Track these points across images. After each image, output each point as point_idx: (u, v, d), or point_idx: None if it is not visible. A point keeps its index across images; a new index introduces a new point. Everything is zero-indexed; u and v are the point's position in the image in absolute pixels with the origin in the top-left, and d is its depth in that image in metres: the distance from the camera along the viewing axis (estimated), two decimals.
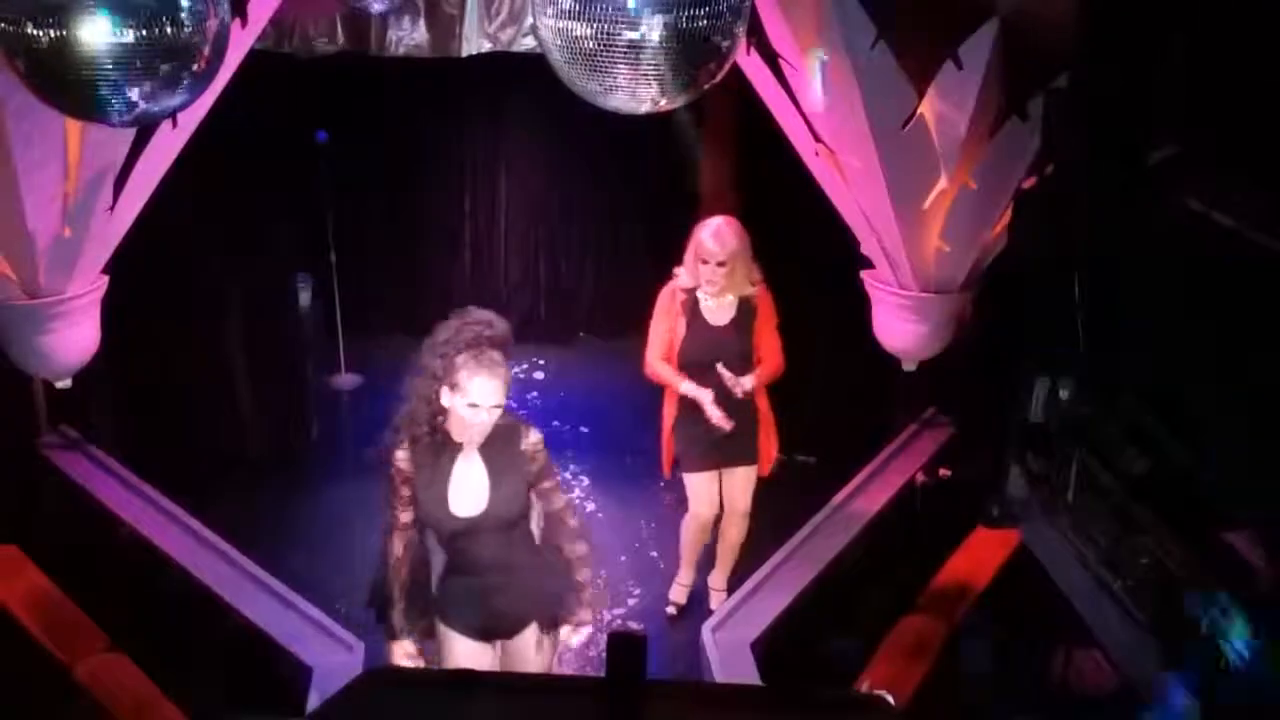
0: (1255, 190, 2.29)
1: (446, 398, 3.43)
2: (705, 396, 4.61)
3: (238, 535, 5.16)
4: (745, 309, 4.68)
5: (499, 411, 3.46)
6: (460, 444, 3.53)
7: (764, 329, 4.71)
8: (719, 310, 4.68)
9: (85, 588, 4.69)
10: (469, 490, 3.53)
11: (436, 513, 3.54)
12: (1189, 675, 2.29)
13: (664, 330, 4.71)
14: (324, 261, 7.16)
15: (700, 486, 4.92)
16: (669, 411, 4.88)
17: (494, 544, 3.57)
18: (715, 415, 4.62)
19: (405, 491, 3.55)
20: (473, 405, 3.39)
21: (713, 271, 4.55)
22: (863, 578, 5.19)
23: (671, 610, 5.27)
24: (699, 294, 4.65)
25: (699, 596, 5.31)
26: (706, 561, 5.29)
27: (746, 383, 4.64)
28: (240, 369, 6.23)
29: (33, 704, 4.32)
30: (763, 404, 4.88)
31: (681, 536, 5.16)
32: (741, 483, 4.98)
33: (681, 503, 5.17)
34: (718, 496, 4.97)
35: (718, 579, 5.26)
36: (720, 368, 4.60)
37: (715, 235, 4.54)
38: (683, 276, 4.68)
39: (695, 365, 4.67)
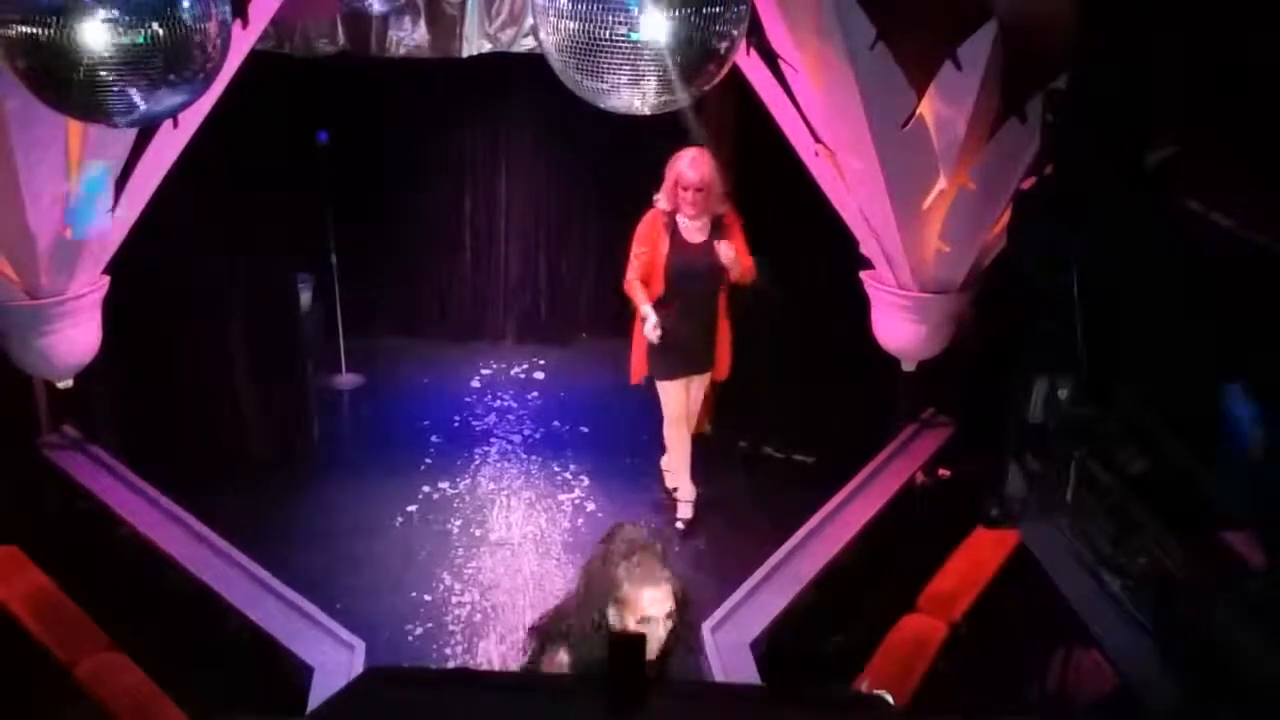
0: (1255, 190, 2.29)
1: (615, 617, 3.02)
2: (650, 319, 5.25)
3: (238, 535, 5.17)
4: (718, 227, 5.29)
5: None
6: None
7: (735, 243, 5.28)
8: (696, 230, 5.29)
9: (85, 588, 4.70)
10: None
11: None
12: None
13: (642, 253, 5.32)
14: (324, 261, 7.17)
15: (673, 393, 5.61)
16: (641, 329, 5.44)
17: None
18: (651, 335, 5.25)
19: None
20: (645, 619, 2.99)
21: (692, 196, 5.16)
22: (863, 577, 5.20)
23: (680, 525, 5.75)
24: (678, 218, 5.26)
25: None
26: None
27: (728, 250, 5.19)
28: (240, 369, 6.23)
29: (33, 704, 4.32)
30: (723, 321, 5.50)
31: (669, 446, 5.75)
32: (697, 389, 5.70)
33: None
34: (686, 401, 5.63)
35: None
36: (719, 244, 5.20)
37: (692, 164, 5.15)
38: (662, 202, 5.29)
39: (678, 277, 5.29)
